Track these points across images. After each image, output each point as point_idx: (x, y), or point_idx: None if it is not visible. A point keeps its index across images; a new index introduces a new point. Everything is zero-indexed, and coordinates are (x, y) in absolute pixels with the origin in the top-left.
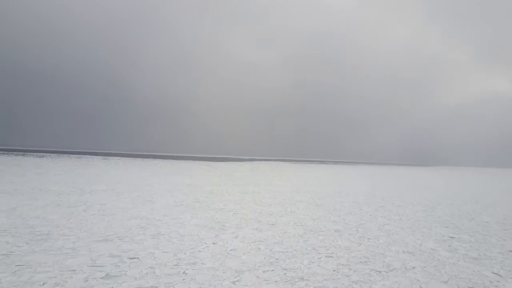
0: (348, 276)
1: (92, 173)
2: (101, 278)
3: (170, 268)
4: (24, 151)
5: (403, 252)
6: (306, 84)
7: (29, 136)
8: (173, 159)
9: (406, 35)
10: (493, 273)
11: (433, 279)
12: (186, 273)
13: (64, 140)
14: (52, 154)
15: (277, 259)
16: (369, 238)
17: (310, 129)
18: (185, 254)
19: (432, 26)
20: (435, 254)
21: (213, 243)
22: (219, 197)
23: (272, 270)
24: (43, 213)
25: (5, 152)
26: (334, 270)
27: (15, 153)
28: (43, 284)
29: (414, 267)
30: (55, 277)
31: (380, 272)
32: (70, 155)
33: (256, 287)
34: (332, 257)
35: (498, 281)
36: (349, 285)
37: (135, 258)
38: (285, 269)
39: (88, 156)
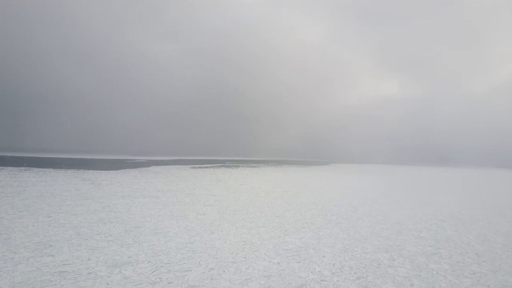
0: None
1: None
2: None
3: None
4: None
5: None
6: (211, 80)
7: None
8: (45, 166)
9: (314, 37)
10: None
11: None
12: None
13: None
14: None
15: None
16: None
17: (215, 126)
18: None
19: (338, 31)
20: None
21: None
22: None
23: None
24: None
25: None
26: None
27: None
28: None
29: None
30: None
31: None
32: None
33: None
34: None
35: None
36: None
37: None
38: None
39: None
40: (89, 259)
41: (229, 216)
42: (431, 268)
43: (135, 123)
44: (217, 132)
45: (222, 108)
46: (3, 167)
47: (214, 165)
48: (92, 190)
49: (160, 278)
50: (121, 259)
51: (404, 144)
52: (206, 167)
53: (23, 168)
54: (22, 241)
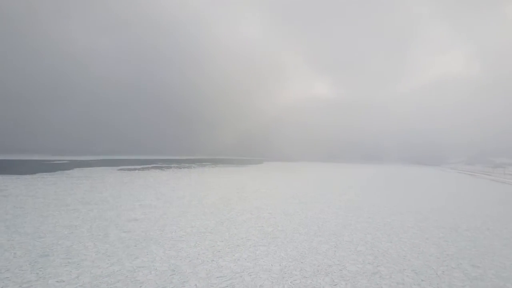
0: None
1: None
2: None
3: None
4: None
5: None
6: (148, 77)
7: None
8: None
9: (249, 35)
10: None
11: None
12: None
13: None
14: None
15: None
16: None
17: (147, 124)
18: None
19: (276, 30)
20: None
21: None
22: None
23: None
24: None
25: None
26: None
27: None
28: None
29: None
30: None
31: None
32: None
33: None
34: None
35: None
36: None
37: None
38: None
39: None
40: None
41: (156, 233)
42: None
43: (62, 120)
44: (149, 130)
45: (157, 105)
46: None
47: (144, 166)
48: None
49: None
50: None
51: (337, 142)
52: (136, 169)
53: None
54: None
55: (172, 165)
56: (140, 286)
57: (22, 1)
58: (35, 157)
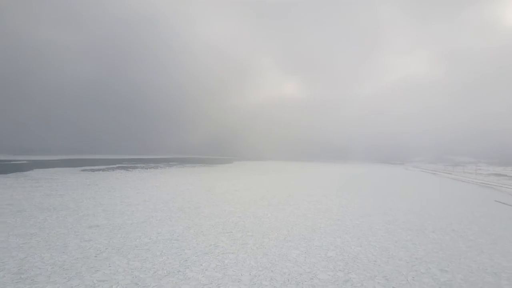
0: None
1: None
2: None
3: None
4: None
5: None
6: (112, 75)
7: None
8: None
9: (219, 36)
10: None
11: None
12: None
13: None
14: None
15: None
16: None
17: (116, 122)
18: None
19: (249, 29)
20: None
21: None
22: None
23: None
24: None
25: None
26: None
27: None
28: None
29: None
30: None
31: None
32: None
33: None
34: None
35: None
36: None
37: None
38: None
39: None
40: None
41: (120, 241)
42: None
43: (21, 117)
44: (115, 128)
45: (122, 103)
46: None
47: (109, 166)
48: None
49: None
50: None
51: (306, 141)
52: (100, 170)
53: None
54: None
55: (138, 165)
56: None
57: None
58: None
